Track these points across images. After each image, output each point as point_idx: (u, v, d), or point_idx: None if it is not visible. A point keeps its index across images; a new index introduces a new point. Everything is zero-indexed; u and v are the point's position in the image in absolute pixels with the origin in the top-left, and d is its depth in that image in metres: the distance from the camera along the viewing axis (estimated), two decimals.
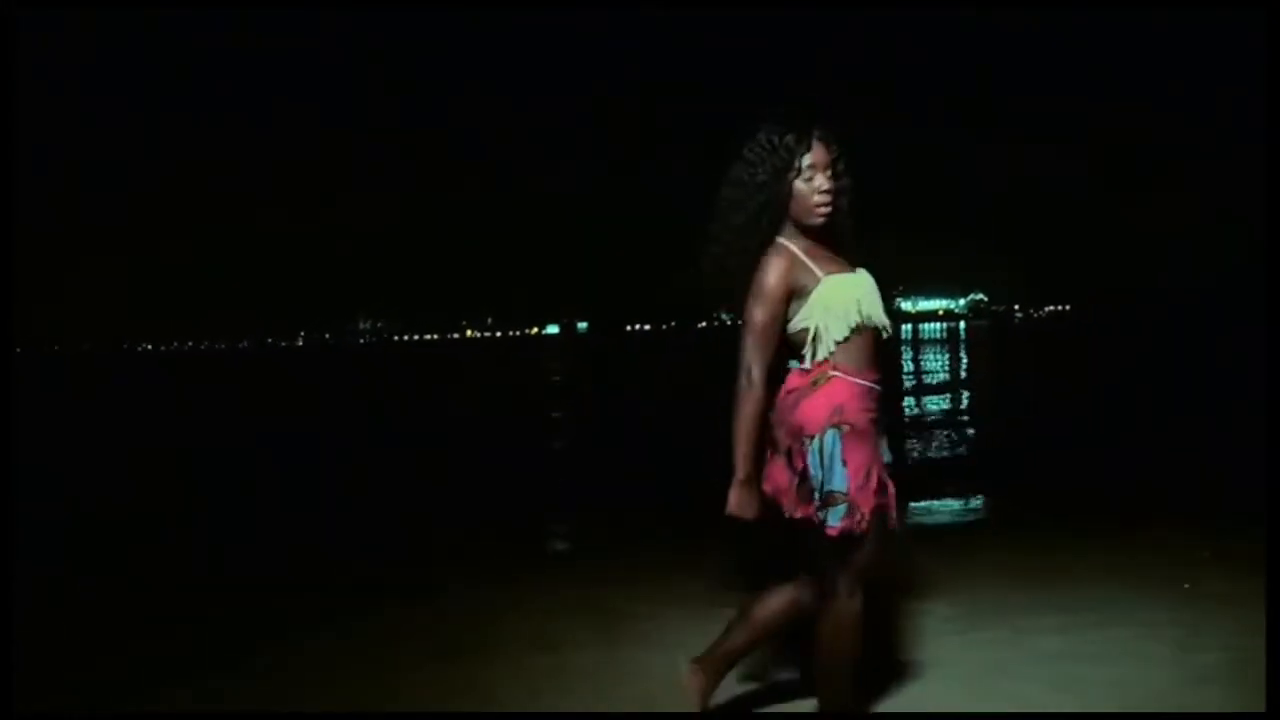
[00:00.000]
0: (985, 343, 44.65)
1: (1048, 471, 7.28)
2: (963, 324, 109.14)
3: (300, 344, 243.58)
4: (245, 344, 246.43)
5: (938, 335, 59.06)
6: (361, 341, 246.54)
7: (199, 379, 38.63)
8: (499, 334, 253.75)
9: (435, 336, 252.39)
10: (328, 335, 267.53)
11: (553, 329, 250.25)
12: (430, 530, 5.97)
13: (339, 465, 9.57)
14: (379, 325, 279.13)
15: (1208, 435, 8.58)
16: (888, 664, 2.93)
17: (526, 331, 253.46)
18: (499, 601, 3.97)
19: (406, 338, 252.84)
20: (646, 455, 9.44)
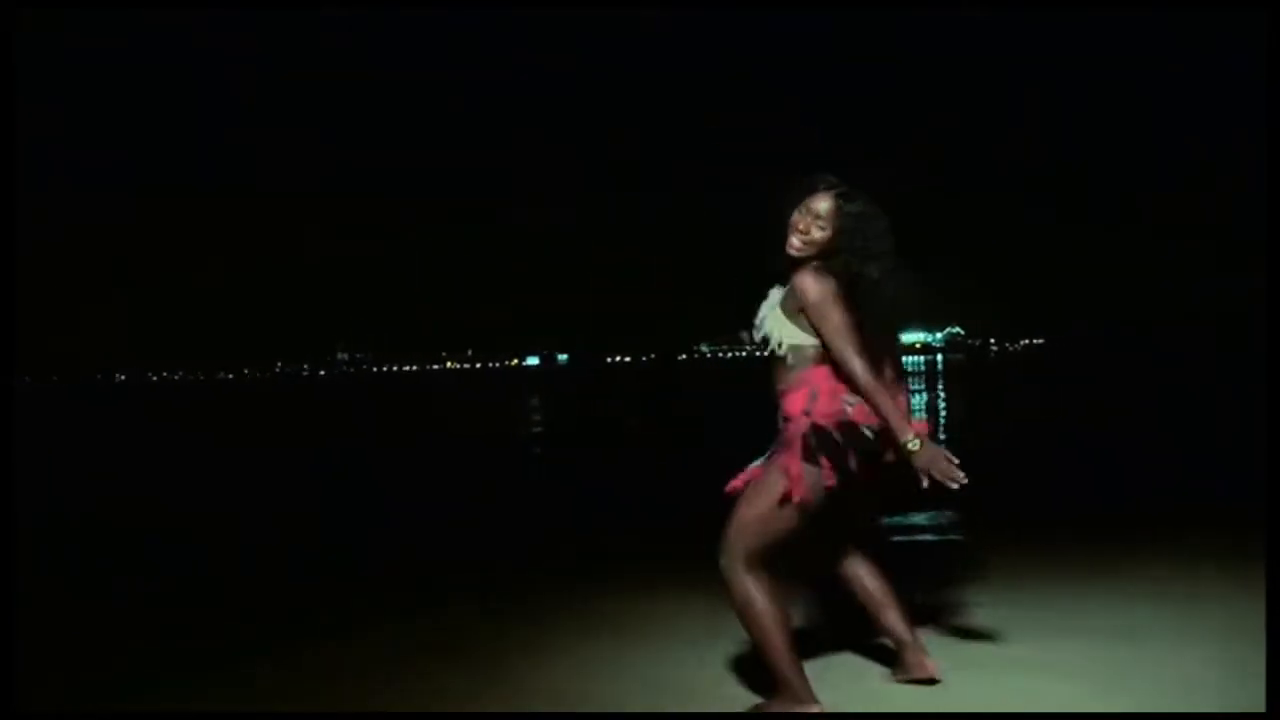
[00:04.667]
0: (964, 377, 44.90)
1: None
2: (940, 357, 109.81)
3: (320, 374, 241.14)
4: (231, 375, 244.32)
5: (918, 368, 59.36)
6: (344, 371, 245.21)
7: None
8: (478, 365, 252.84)
9: (415, 367, 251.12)
10: (305, 366, 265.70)
11: (533, 360, 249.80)
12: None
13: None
14: (358, 356, 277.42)
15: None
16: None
17: (506, 363, 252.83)
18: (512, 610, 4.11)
19: (385, 369, 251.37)
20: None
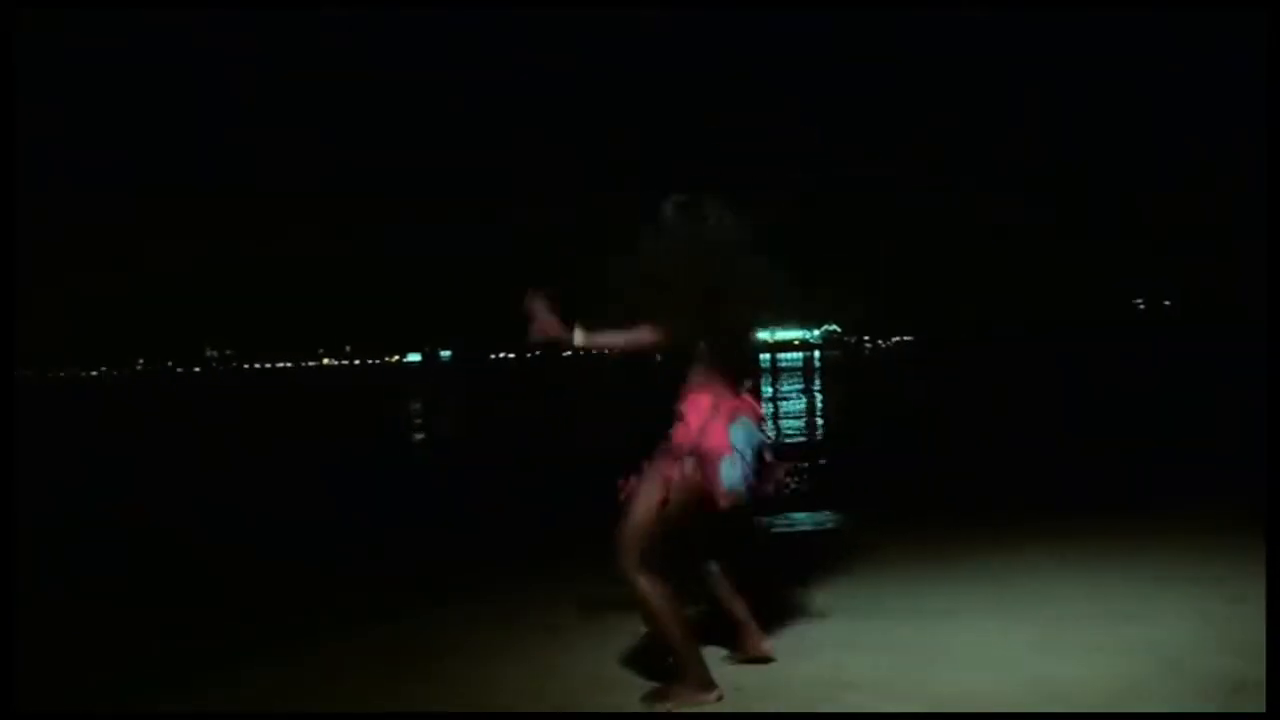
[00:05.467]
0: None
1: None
2: (817, 354, 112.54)
3: (195, 370, 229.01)
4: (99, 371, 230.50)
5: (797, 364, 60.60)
6: (213, 369, 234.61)
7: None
8: (358, 362, 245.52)
9: (289, 364, 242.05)
10: (170, 363, 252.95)
11: (414, 357, 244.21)
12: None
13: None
14: (227, 353, 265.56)
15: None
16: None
17: (387, 359, 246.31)
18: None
19: (258, 365, 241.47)
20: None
